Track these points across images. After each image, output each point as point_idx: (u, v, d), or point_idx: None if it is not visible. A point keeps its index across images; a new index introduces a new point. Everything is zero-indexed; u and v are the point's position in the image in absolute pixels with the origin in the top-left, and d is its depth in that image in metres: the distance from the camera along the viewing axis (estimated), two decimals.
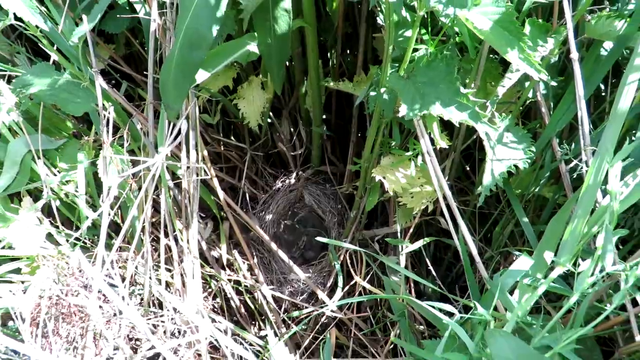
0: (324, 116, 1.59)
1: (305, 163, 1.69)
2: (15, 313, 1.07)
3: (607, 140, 0.89)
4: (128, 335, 1.16)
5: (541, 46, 1.04)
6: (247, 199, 1.63)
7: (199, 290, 1.27)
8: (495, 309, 1.00)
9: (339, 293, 1.46)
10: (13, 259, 1.18)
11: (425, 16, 0.98)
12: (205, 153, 1.34)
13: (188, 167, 1.25)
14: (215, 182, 1.44)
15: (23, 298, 1.06)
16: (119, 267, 1.20)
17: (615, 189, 0.76)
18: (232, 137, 1.65)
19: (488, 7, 0.91)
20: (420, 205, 1.33)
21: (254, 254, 1.56)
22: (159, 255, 1.27)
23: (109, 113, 1.18)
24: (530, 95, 1.22)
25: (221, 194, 1.47)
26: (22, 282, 1.15)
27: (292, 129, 1.66)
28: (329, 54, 1.55)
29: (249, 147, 1.60)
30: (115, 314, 1.12)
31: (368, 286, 1.44)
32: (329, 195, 1.65)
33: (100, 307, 1.12)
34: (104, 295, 1.14)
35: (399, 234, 1.38)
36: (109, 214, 1.13)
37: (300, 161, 1.68)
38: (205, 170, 1.34)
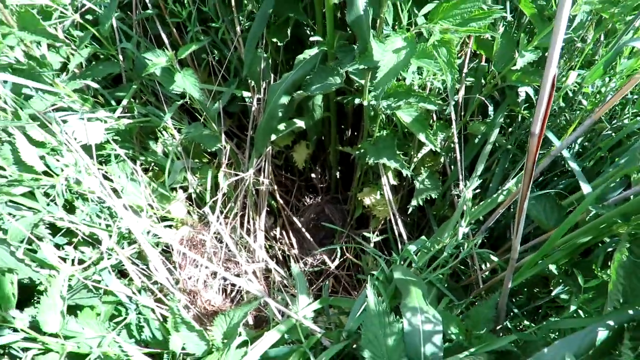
0: (339, 166, 1.81)
1: (327, 190, 1.92)
2: (170, 244, 1.30)
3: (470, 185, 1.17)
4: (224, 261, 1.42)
5: (441, 134, 1.33)
6: (293, 208, 1.86)
7: (263, 251, 1.52)
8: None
9: (336, 261, 1.69)
10: (171, 219, 1.39)
11: (382, 114, 1.27)
12: (273, 178, 1.64)
13: (263, 183, 1.55)
14: (277, 195, 1.70)
15: (174, 236, 1.32)
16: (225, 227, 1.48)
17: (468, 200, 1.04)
18: (288, 172, 1.89)
19: (409, 110, 1.19)
20: (385, 216, 1.55)
21: (294, 236, 1.77)
22: (242, 227, 1.52)
23: (227, 150, 1.45)
24: (442, 160, 1.42)
25: (280, 201, 1.73)
26: (176, 229, 1.40)
27: (320, 171, 1.92)
28: (344, 131, 1.75)
29: (297, 178, 1.89)
30: (218, 248, 1.41)
31: (352, 258, 1.67)
32: (338, 209, 1.86)
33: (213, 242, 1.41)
34: (216, 237, 1.43)
35: (371, 232, 1.62)
36: (220, 201, 1.46)
37: (324, 189, 1.92)
38: (272, 186, 1.65)
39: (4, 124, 1.00)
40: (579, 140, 1.08)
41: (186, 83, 1.12)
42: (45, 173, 1.04)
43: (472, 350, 0.80)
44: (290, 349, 0.94)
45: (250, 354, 0.93)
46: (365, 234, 1.57)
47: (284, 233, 1.73)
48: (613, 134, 1.05)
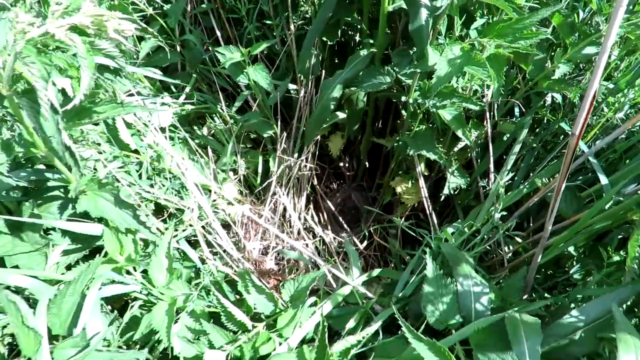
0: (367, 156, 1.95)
1: (354, 178, 2.06)
2: (230, 217, 1.46)
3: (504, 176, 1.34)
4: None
5: (475, 131, 1.51)
6: (322, 193, 2.01)
7: (300, 223, 1.68)
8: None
9: (365, 242, 1.85)
10: (223, 199, 1.50)
11: (423, 111, 1.45)
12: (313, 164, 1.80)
13: (307, 167, 1.71)
14: (315, 180, 1.88)
15: (234, 211, 1.51)
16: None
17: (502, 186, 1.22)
18: (319, 160, 1.95)
19: (451, 109, 1.37)
20: (413, 203, 1.73)
21: (326, 216, 1.94)
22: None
23: (283, 137, 1.59)
24: (469, 155, 1.61)
25: (317, 186, 1.88)
26: (232, 206, 1.52)
27: (349, 160, 2.07)
28: (376, 124, 1.88)
29: (328, 166, 2.02)
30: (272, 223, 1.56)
31: (380, 241, 1.79)
32: (364, 196, 2.02)
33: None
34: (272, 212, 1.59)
35: (398, 216, 1.73)
36: (275, 182, 1.60)
37: (352, 177, 2.06)
38: (311, 170, 1.80)
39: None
40: (597, 142, 1.26)
41: (257, 76, 1.27)
42: (134, 151, 1.19)
43: (511, 310, 0.97)
44: (352, 309, 1.11)
45: (318, 312, 1.09)
46: (394, 218, 1.76)
47: (319, 214, 1.88)
48: (626, 138, 1.23)
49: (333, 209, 1.91)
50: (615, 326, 0.68)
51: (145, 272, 0.99)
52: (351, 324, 1.07)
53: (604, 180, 1.09)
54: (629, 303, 0.83)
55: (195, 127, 1.66)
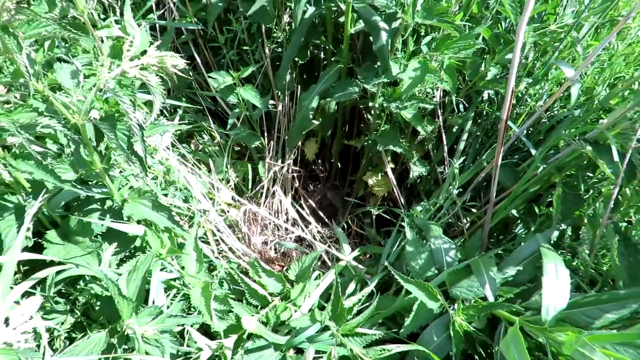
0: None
1: (327, 179, 2.31)
2: (230, 219, 1.73)
3: (457, 160, 1.66)
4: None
5: (430, 126, 1.79)
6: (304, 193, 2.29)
7: (312, 218, 1.93)
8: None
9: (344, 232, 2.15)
10: (225, 204, 1.81)
11: (387, 113, 1.72)
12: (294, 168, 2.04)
13: (290, 170, 1.95)
14: (296, 182, 2.13)
15: (235, 213, 1.72)
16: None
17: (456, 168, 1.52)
18: (296, 165, 2.26)
19: (410, 109, 1.65)
20: (383, 193, 2.07)
21: (309, 212, 2.19)
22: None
23: (271, 146, 1.85)
24: (426, 147, 1.96)
25: (298, 187, 2.13)
26: (233, 208, 1.80)
27: (321, 163, 2.33)
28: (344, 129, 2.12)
29: (304, 170, 2.28)
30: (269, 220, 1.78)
31: (355, 228, 2.08)
32: (338, 193, 2.27)
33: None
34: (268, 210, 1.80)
35: (372, 206, 2.01)
36: (267, 185, 1.83)
37: (325, 178, 2.31)
38: (295, 173, 2.04)
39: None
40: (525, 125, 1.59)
41: (248, 95, 1.51)
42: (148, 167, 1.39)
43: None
44: (350, 277, 1.36)
45: (322, 284, 1.34)
46: (368, 207, 2.03)
47: (304, 211, 2.12)
48: (548, 121, 1.56)
49: (314, 205, 2.15)
50: (541, 249, 0.97)
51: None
52: (351, 288, 1.32)
53: (533, 151, 1.41)
54: (554, 240, 1.13)
55: (184, 145, 1.87)
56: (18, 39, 0.87)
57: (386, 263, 1.17)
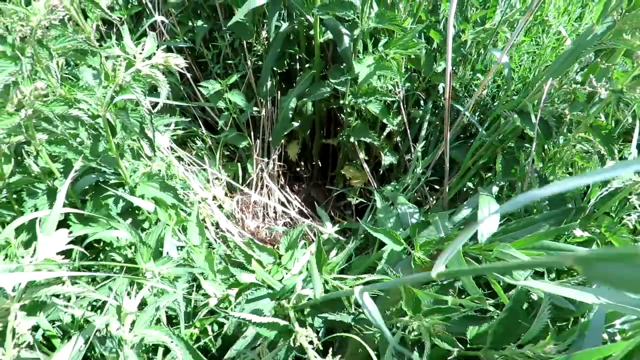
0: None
1: (310, 178, 2.58)
2: (227, 210, 1.94)
3: (419, 145, 1.92)
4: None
5: (395, 119, 2.06)
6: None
7: (297, 202, 2.15)
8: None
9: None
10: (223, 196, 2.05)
11: (357, 109, 1.98)
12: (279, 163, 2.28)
13: (276, 166, 2.18)
14: (282, 179, 2.36)
15: (233, 202, 1.94)
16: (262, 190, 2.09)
17: (419, 151, 1.78)
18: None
19: (375, 104, 1.91)
20: (360, 185, 2.31)
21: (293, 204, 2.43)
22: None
23: (257, 145, 2.12)
24: (395, 140, 2.22)
25: (283, 182, 2.39)
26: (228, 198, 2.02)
27: (304, 163, 2.59)
28: (322, 131, 2.48)
29: (288, 171, 2.54)
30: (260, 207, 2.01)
31: (338, 219, 2.35)
32: (321, 191, 2.52)
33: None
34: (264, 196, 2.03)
35: (352, 197, 2.30)
36: (256, 179, 2.06)
37: (308, 178, 2.59)
38: (279, 168, 2.28)
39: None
40: (476, 114, 1.85)
41: (236, 98, 1.75)
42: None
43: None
44: (331, 246, 1.58)
45: (308, 252, 1.55)
46: (349, 199, 2.26)
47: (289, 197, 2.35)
48: (495, 109, 1.82)
49: (299, 203, 2.38)
50: (479, 195, 1.20)
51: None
52: (333, 253, 1.54)
53: (480, 128, 1.66)
54: (496, 194, 1.37)
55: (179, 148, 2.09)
56: (50, 50, 1.10)
57: (362, 223, 1.40)
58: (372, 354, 0.91)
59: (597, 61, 1.26)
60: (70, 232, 1.06)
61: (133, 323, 0.87)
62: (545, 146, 1.33)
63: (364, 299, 0.87)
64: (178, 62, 1.10)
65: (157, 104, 1.04)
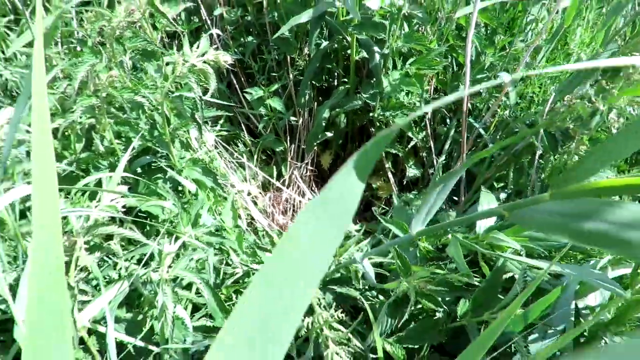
0: None
1: None
2: (262, 205, 2.13)
3: (441, 159, 2.06)
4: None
5: (420, 134, 2.21)
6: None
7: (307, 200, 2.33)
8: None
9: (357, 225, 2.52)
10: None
11: (385, 122, 2.15)
12: (311, 168, 2.47)
13: (307, 170, 2.37)
14: (314, 186, 2.55)
15: (263, 201, 2.13)
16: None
17: (441, 163, 1.92)
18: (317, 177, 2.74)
19: (402, 118, 2.07)
20: (386, 196, 2.45)
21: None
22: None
23: (292, 149, 2.33)
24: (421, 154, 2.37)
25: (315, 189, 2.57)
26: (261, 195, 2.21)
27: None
28: (354, 144, 2.67)
29: (319, 177, 2.71)
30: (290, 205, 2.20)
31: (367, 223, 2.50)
32: None
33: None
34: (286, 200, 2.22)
35: (378, 207, 2.45)
36: (288, 179, 2.26)
37: None
38: (311, 173, 2.46)
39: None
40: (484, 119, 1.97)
41: (276, 104, 1.96)
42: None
43: None
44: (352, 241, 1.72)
45: None
46: (373, 207, 2.40)
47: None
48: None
49: None
50: (481, 192, 1.32)
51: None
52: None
53: (490, 143, 1.78)
54: (504, 199, 1.49)
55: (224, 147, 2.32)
56: (124, 47, 1.34)
57: (377, 214, 1.54)
58: (370, 312, 1.05)
59: (602, 81, 1.37)
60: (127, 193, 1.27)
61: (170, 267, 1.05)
62: (552, 158, 1.44)
63: (363, 263, 1.01)
64: (226, 58, 1.31)
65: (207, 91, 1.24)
